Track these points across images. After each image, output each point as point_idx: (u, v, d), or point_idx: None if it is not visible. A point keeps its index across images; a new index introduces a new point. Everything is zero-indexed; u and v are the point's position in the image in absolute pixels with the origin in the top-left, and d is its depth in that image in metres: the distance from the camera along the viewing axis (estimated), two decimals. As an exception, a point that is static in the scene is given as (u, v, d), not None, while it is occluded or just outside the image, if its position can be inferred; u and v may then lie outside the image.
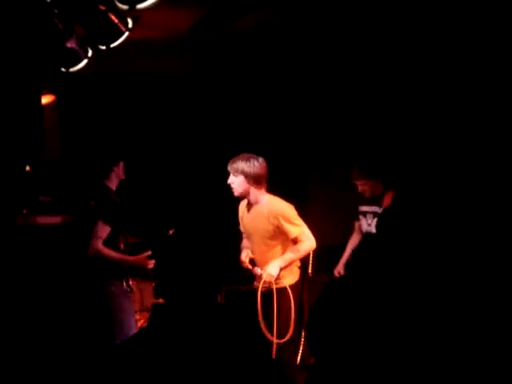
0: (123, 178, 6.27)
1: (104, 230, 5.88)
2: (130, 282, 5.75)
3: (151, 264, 5.77)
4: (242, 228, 6.15)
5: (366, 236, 6.46)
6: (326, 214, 7.47)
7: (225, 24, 7.13)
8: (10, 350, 2.94)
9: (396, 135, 6.86)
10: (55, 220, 7.36)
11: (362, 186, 6.58)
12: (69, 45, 6.25)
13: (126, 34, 5.88)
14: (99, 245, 5.79)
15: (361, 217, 6.74)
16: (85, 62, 6.48)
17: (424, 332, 3.12)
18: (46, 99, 8.54)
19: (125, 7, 5.44)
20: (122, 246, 6.04)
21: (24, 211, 7.48)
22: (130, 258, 5.88)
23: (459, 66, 6.15)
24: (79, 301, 4.46)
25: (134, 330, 5.42)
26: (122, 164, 6.30)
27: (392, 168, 6.66)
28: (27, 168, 8.09)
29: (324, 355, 2.76)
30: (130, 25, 5.87)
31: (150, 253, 5.79)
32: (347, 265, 6.66)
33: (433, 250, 3.55)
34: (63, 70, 6.54)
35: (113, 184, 6.21)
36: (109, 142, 7.41)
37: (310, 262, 7.29)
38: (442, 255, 3.55)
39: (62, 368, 2.95)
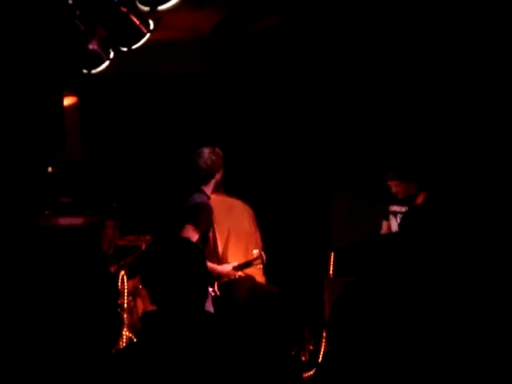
0: (220, 182, 6.18)
1: (193, 234, 5.78)
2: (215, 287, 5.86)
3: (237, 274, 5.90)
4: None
5: (384, 236, 6.45)
6: (346, 216, 7.47)
7: (245, 25, 7.13)
8: (27, 349, 2.94)
9: (429, 138, 6.84)
10: (77, 221, 7.39)
11: (395, 188, 6.57)
12: (90, 46, 6.26)
13: (148, 35, 5.90)
14: None
15: (391, 216, 6.71)
16: (106, 63, 6.49)
17: (443, 332, 3.11)
18: (67, 101, 8.57)
19: (146, 9, 5.46)
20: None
21: (46, 212, 7.52)
22: (220, 269, 5.92)
23: (482, 70, 6.13)
24: (95, 301, 4.44)
25: None
26: (221, 169, 6.24)
27: (426, 170, 6.64)
28: (49, 169, 8.12)
29: (345, 355, 2.76)
30: (152, 26, 5.89)
31: (236, 264, 5.89)
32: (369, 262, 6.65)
33: (454, 251, 3.53)
34: (85, 71, 6.56)
35: (209, 189, 6.13)
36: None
37: (331, 263, 7.28)
38: (463, 256, 3.53)
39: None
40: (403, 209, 6.56)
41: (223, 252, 6.31)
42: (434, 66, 6.64)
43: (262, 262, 5.99)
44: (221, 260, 6.21)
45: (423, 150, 6.83)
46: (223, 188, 6.21)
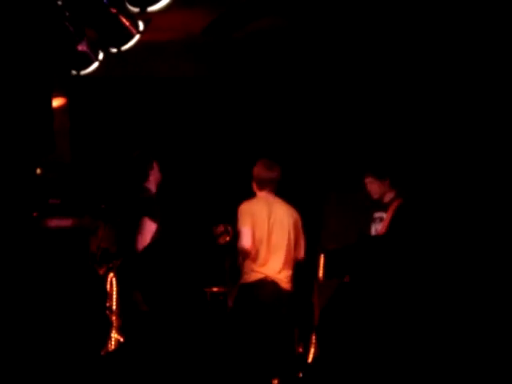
0: (160, 178, 6.33)
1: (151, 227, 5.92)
2: None
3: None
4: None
5: (372, 239, 6.49)
6: (338, 219, 7.48)
7: (235, 27, 7.13)
8: (16, 351, 2.93)
9: (408, 143, 6.87)
10: (65, 223, 7.36)
11: (369, 185, 6.62)
12: (80, 48, 6.26)
13: (137, 36, 5.90)
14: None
15: (371, 224, 6.75)
16: (96, 65, 6.49)
17: (429, 332, 3.13)
18: (56, 102, 8.54)
19: (136, 10, 5.46)
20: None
21: (34, 214, 7.48)
22: None
23: (474, 73, 6.15)
24: (85, 302, 4.43)
25: None
26: (156, 165, 6.41)
27: (400, 172, 6.67)
28: (38, 171, 8.09)
29: (335, 356, 2.77)
30: (142, 27, 5.88)
31: None
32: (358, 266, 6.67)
33: (441, 252, 3.55)
34: (74, 72, 6.55)
35: (152, 185, 6.32)
36: (138, 145, 7.45)
37: (321, 266, 7.28)
38: (450, 257, 3.56)
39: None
40: (381, 214, 6.60)
41: (258, 250, 6.25)
42: (423, 70, 6.66)
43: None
44: (252, 257, 6.20)
45: (399, 148, 6.88)
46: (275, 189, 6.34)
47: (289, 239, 6.34)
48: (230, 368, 3.14)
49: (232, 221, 6.36)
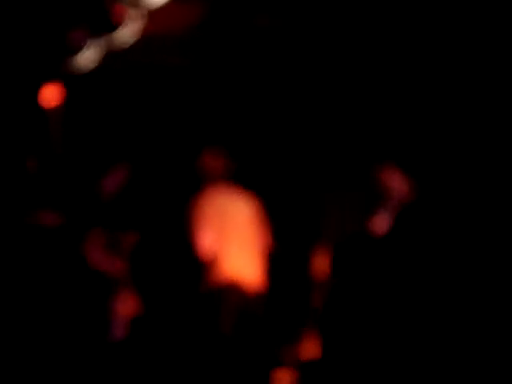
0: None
1: None
2: None
3: None
4: None
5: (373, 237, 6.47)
6: (338, 218, 7.45)
7: (231, 22, 7.12)
8: (9, 349, 2.89)
9: (420, 138, 6.84)
10: (59, 221, 7.33)
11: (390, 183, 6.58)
12: (73, 39, 6.24)
13: (131, 27, 5.89)
14: None
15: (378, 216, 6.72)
16: (89, 55, 6.48)
17: (433, 332, 3.07)
18: (49, 92, 8.51)
19: (129, 0, 5.43)
20: None
21: (28, 212, 7.45)
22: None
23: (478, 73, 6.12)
24: (81, 301, 4.37)
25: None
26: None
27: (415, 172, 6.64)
28: (31, 167, 8.06)
29: (333, 356, 2.71)
30: (135, 18, 5.87)
31: None
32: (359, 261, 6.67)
33: (443, 252, 3.51)
34: (67, 64, 6.54)
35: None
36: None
37: (322, 265, 7.26)
38: (451, 257, 3.50)
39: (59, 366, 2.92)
40: (387, 210, 6.57)
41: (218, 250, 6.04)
42: (427, 70, 6.65)
43: None
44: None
45: (413, 148, 6.84)
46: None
47: (253, 231, 6.20)
48: (226, 366, 3.11)
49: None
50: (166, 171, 8.97)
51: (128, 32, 5.93)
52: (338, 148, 7.89)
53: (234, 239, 6.04)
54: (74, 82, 8.50)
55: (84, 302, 2.97)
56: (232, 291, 5.90)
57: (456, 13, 5.96)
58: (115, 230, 6.10)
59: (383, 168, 6.52)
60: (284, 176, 8.07)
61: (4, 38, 6.33)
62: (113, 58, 7.55)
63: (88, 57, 6.53)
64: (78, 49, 6.46)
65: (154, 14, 6.00)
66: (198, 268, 5.78)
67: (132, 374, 2.90)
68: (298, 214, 7.85)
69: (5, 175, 7.30)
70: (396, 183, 6.46)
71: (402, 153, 6.63)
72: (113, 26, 5.91)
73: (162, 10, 5.80)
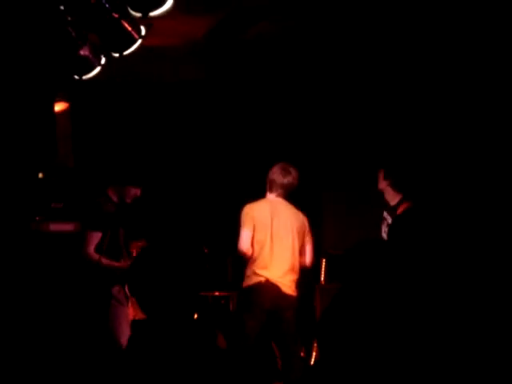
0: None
1: (94, 237, 5.90)
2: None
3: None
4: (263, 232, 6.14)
5: (374, 242, 6.43)
6: (338, 221, 7.45)
7: (238, 32, 7.13)
8: (14, 352, 2.94)
9: (418, 149, 6.84)
10: (68, 227, 7.37)
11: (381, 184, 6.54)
12: (82, 52, 6.25)
13: (139, 41, 5.90)
14: (90, 251, 5.82)
15: (383, 222, 6.69)
16: (98, 69, 6.48)
17: (432, 338, 3.11)
18: (59, 106, 8.56)
19: (138, 14, 5.47)
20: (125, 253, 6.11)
21: (37, 218, 7.50)
22: (117, 264, 5.84)
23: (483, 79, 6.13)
24: (86, 306, 4.44)
25: (123, 339, 5.36)
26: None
27: (413, 178, 6.62)
28: (40, 175, 8.10)
29: (335, 361, 2.75)
30: (143, 32, 5.88)
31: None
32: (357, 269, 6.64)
33: (443, 258, 3.54)
34: (76, 77, 6.54)
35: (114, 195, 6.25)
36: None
37: (323, 270, 7.27)
38: (451, 263, 3.54)
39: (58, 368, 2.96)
40: (387, 216, 6.56)
41: (259, 254, 6.12)
42: (428, 72, 6.65)
43: None
44: (253, 259, 6.12)
45: (414, 155, 6.83)
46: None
47: (293, 243, 6.19)
48: (232, 372, 3.13)
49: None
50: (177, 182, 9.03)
51: (137, 46, 5.93)
52: (339, 153, 7.90)
53: (276, 245, 6.12)
54: (84, 95, 8.59)
55: (90, 306, 3.01)
56: (268, 289, 6.05)
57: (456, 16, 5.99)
58: (124, 235, 6.18)
59: (380, 175, 6.55)
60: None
61: (16, 51, 6.38)
62: (123, 71, 7.63)
63: (98, 71, 6.53)
64: (88, 63, 6.45)
65: (159, 26, 6.02)
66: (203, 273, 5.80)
67: (143, 377, 2.96)
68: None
69: (16, 186, 7.34)
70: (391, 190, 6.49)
71: (399, 160, 6.63)
72: (122, 40, 5.90)
73: (167, 22, 5.82)
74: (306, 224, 6.31)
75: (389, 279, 3.42)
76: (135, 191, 6.26)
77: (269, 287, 6.04)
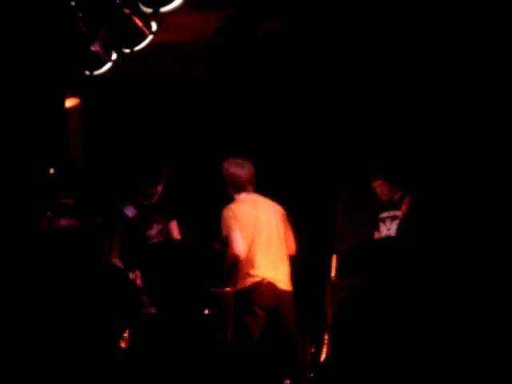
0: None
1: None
2: None
3: None
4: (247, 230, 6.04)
5: (386, 239, 6.43)
6: (350, 219, 7.44)
7: (248, 28, 7.13)
8: (22, 349, 2.93)
9: (417, 142, 6.82)
10: (78, 223, 7.38)
11: (379, 188, 6.54)
12: (93, 48, 6.26)
13: (150, 37, 5.89)
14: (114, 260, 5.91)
15: (380, 224, 6.70)
16: (109, 65, 6.49)
17: (446, 336, 3.09)
18: (70, 102, 8.57)
19: (149, 10, 5.46)
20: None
21: (48, 214, 7.52)
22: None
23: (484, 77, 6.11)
24: (96, 303, 4.43)
25: None
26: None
27: (411, 173, 6.62)
28: (51, 170, 8.12)
29: (347, 359, 2.74)
30: (154, 28, 5.88)
31: None
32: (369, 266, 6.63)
33: (455, 254, 3.52)
34: (87, 73, 6.55)
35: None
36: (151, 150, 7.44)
37: (334, 266, 7.26)
38: (464, 259, 3.52)
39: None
40: (390, 213, 6.55)
41: (249, 254, 5.99)
42: (433, 70, 6.63)
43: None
44: (244, 261, 5.99)
45: (410, 151, 6.82)
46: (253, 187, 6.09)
47: (279, 236, 6.08)
48: (241, 369, 3.12)
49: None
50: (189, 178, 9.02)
51: (148, 41, 5.92)
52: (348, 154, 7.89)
53: (263, 242, 6.01)
54: (95, 91, 8.59)
55: (100, 304, 3.01)
56: (264, 289, 5.96)
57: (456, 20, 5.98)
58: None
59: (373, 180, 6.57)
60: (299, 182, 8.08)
61: (27, 47, 6.39)
62: (134, 67, 7.63)
63: (108, 66, 6.53)
64: (99, 59, 6.45)
65: (170, 22, 6.02)
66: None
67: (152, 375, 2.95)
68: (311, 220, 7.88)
69: (26, 180, 7.36)
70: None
71: (393, 162, 6.63)
72: (132, 36, 5.90)
73: (177, 17, 5.81)
74: (284, 213, 6.19)
75: (403, 276, 3.41)
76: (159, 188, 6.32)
77: (264, 286, 5.96)
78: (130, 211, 6.24)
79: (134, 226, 6.26)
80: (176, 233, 6.51)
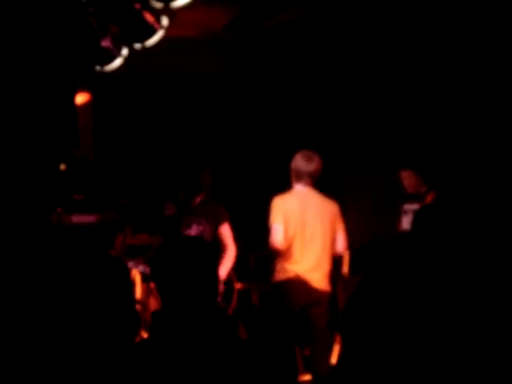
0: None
1: None
2: None
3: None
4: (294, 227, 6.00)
5: (402, 234, 6.40)
6: (363, 215, 7.40)
7: (258, 23, 7.12)
8: (47, 348, 2.93)
9: (445, 137, 6.76)
10: (90, 219, 7.39)
11: (406, 180, 6.46)
12: (103, 44, 6.25)
13: (161, 32, 5.88)
14: None
15: (403, 216, 6.62)
16: (119, 60, 6.48)
17: (457, 332, 3.06)
18: (80, 98, 8.58)
19: (159, 5, 5.45)
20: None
21: (58, 210, 7.52)
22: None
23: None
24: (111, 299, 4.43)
25: None
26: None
27: (439, 167, 6.54)
28: (62, 166, 8.13)
29: (357, 353, 2.71)
30: (165, 23, 5.87)
31: None
32: (382, 260, 6.60)
33: (468, 251, 3.49)
34: (98, 68, 6.54)
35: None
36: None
37: (346, 262, 7.22)
38: (477, 256, 3.49)
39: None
40: (414, 206, 6.48)
41: (290, 247, 5.95)
42: (452, 61, 6.59)
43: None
44: (283, 254, 5.97)
45: (440, 145, 6.76)
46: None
47: (324, 234, 6.00)
48: (258, 364, 3.10)
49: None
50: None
51: (158, 37, 5.91)
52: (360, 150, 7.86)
53: (306, 238, 5.97)
54: (106, 87, 8.60)
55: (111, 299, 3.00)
56: (299, 285, 5.91)
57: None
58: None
59: (401, 170, 6.50)
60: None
61: (38, 42, 6.39)
62: (144, 63, 7.63)
63: (119, 62, 6.53)
64: (110, 54, 6.45)
65: (180, 17, 6.01)
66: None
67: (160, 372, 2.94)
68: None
69: (37, 176, 7.36)
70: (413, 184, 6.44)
71: (421, 155, 6.58)
72: (143, 31, 5.90)
73: (188, 13, 5.80)
74: (337, 211, 6.14)
75: (415, 271, 3.38)
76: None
77: (298, 282, 5.91)
78: (168, 209, 6.26)
79: (169, 224, 6.28)
80: (226, 237, 6.42)
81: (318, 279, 5.98)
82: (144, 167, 8.84)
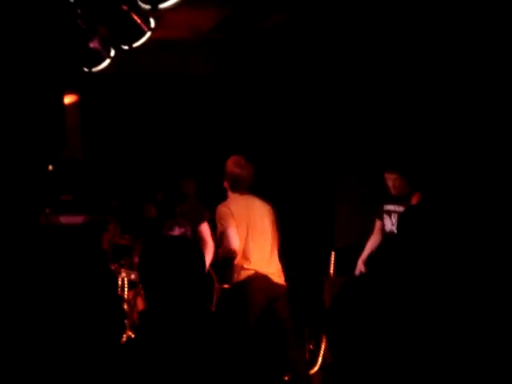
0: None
1: None
2: None
3: None
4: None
5: (389, 236, 6.45)
6: (350, 215, 7.43)
7: (246, 25, 7.13)
8: (25, 349, 2.94)
9: (433, 137, 6.80)
10: (77, 219, 7.40)
11: (392, 181, 6.48)
12: (91, 45, 6.27)
13: (149, 33, 5.90)
14: None
15: (385, 216, 6.65)
16: (107, 61, 6.49)
17: (443, 333, 3.10)
18: (68, 99, 8.58)
19: (147, 7, 5.45)
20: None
21: (46, 210, 7.53)
22: None
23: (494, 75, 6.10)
24: (98, 300, 4.44)
25: None
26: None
27: (425, 170, 6.58)
28: (49, 167, 8.13)
29: (343, 355, 2.73)
30: (153, 25, 5.89)
31: None
32: (368, 262, 6.64)
33: (452, 252, 3.52)
34: (86, 69, 6.56)
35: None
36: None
37: (332, 263, 7.26)
38: (462, 258, 3.53)
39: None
40: (398, 208, 6.51)
41: (244, 249, 6.17)
42: (441, 64, 6.61)
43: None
44: (239, 256, 6.16)
45: (426, 148, 6.80)
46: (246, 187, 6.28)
47: (271, 232, 6.28)
48: (240, 365, 3.12)
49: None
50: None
51: (146, 38, 5.93)
52: (348, 152, 7.87)
53: (257, 237, 6.18)
54: (94, 88, 8.59)
55: (102, 300, 3.01)
56: (259, 282, 6.08)
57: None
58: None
59: (387, 172, 6.54)
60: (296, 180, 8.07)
61: (26, 43, 6.39)
62: (132, 64, 7.63)
63: (107, 63, 6.53)
64: (98, 55, 6.46)
65: (168, 19, 6.02)
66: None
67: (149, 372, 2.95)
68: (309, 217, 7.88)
69: (25, 177, 7.36)
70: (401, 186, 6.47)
71: (408, 157, 6.61)
72: (131, 33, 5.90)
73: (176, 14, 5.80)
74: (274, 210, 6.39)
75: (400, 270, 3.41)
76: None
77: (259, 279, 6.10)
78: (148, 212, 6.32)
79: (150, 226, 6.35)
80: (205, 234, 6.58)
81: (275, 274, 6.21)
82: (132, 168, 8.84)
